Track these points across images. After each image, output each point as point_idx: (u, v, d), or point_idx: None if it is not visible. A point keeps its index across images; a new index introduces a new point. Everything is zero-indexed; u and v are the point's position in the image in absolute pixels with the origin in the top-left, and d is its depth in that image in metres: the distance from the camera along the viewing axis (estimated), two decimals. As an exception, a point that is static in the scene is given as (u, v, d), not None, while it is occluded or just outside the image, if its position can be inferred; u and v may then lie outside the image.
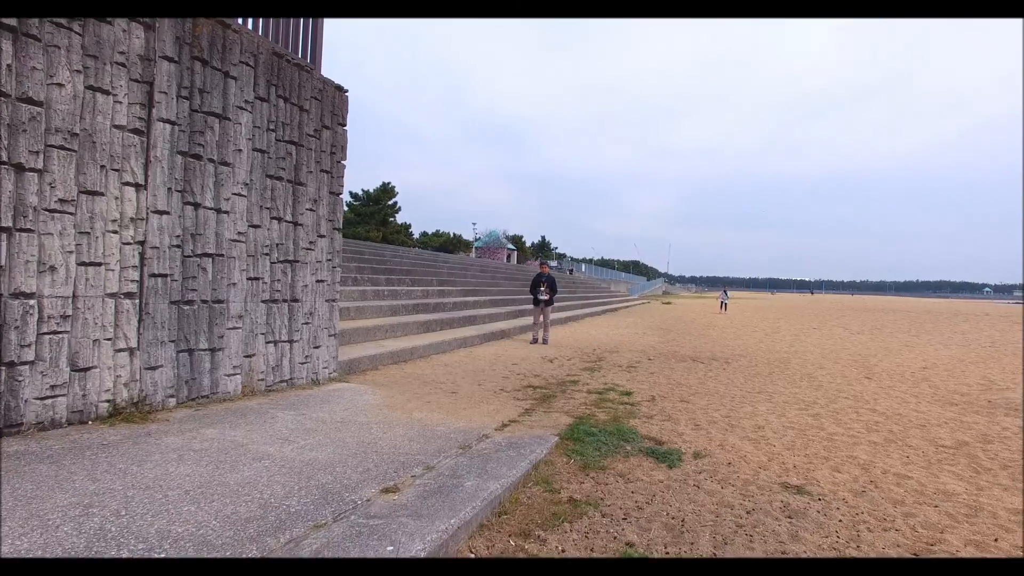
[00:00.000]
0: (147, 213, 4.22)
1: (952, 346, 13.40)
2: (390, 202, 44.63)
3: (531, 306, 12.00)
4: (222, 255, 4.90)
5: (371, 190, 44.64)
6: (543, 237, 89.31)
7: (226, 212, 4.94)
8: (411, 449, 3.66)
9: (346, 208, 43.85)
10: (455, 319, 11.42)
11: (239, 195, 5.07)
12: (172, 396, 4.46)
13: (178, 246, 4.51)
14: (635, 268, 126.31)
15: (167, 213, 4.39)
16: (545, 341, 11.17)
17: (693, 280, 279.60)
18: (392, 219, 44.95)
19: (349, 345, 7.74)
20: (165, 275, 4.38)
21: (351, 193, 44.59)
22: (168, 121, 4.36)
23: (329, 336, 6.27)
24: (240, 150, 5.07)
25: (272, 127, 5.45)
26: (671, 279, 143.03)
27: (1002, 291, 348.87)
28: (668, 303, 40.10)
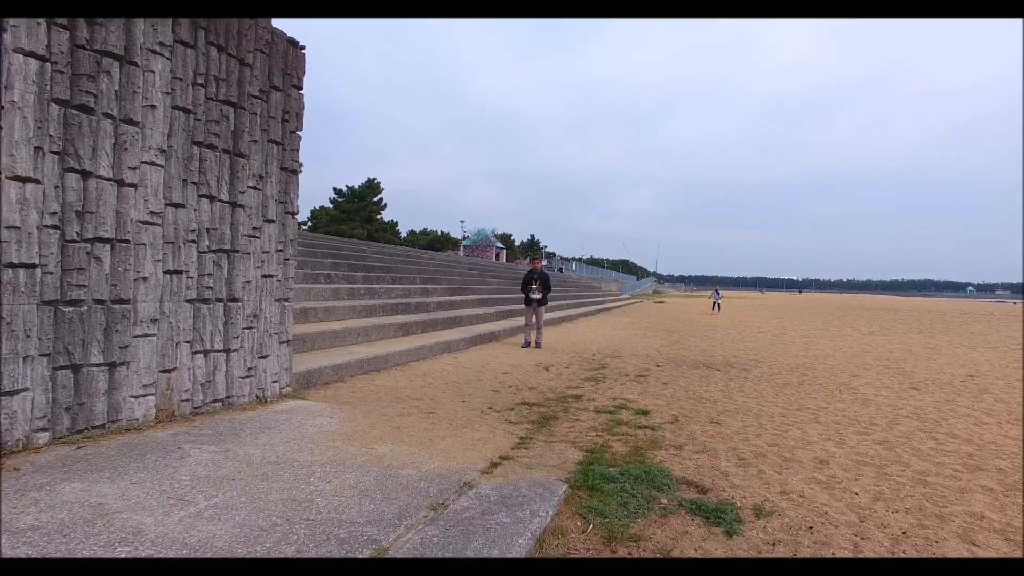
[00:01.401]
0: (-1, 179, 3.05)
1: (979, 348, 12.47)
2: (375, 198, 43.17)
3: (522, 306, 10.90)
4: (126, 241, 3.75)
5: (356, 186, 43.18)
6: (532, 236, 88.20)
7: (132, 185, 3.78)
8: (360, 512, 2.54)
9: (330, 205, 42.35)
10: (439, 320, 10.28)
11: (152, 164, 3.91)
12: (44, 429, 3.30)
13: (55, 227, 3.35)
14: (625, 267, 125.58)
15: (35, 181, 3.22)
16: (538, 344, 10.09)
17: (682, 279, 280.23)
18: (378, 216, 43.50)
19: (312, 352, 6.58)
20: (32, 266, 3.22)
21: (334, 189, 43.10)
22: (33, 55, 3.19)
23: (280, 343, 5.12)
24: (153, 106, 3.92)
25: (201, 81, 4.30)
26: (660, 278, 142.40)
27: (984, 290, 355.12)
28: (661, 302, 39.14)
